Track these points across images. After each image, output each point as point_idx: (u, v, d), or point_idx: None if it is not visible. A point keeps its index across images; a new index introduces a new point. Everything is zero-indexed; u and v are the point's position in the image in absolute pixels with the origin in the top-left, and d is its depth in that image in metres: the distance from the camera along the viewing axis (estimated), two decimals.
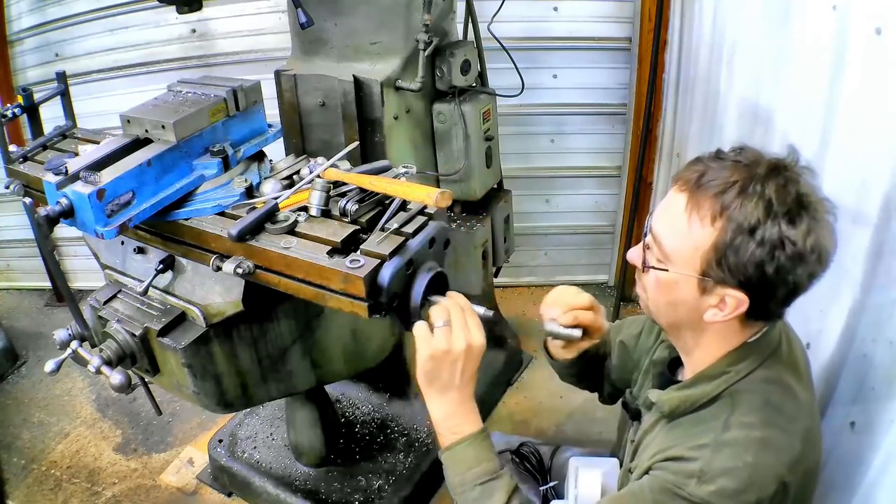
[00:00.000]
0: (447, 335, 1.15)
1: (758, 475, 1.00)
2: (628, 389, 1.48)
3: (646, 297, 1.16)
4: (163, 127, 1.37)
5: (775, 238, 0.96)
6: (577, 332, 1.32)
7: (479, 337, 1.16)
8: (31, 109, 1.77)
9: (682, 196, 1.04)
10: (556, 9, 2.97)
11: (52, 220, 1.23)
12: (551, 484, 1.70)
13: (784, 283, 1.00)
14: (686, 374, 1.21)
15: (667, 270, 1.07)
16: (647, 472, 1.11)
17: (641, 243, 1.14)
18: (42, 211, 1.23)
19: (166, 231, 1.43)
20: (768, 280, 0.99)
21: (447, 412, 1.20)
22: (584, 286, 3.77)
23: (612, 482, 1.40)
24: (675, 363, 1.29)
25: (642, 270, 1.13)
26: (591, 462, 1.44)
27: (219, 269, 1.29)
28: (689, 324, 1.12)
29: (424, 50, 2.01)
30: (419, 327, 1.17)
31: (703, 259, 1.02)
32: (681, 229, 1.04)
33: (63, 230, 2.55)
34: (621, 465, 1.42)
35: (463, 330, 1.15)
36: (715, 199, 0.99)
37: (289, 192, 1.38)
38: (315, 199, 1.33)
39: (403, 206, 1.28)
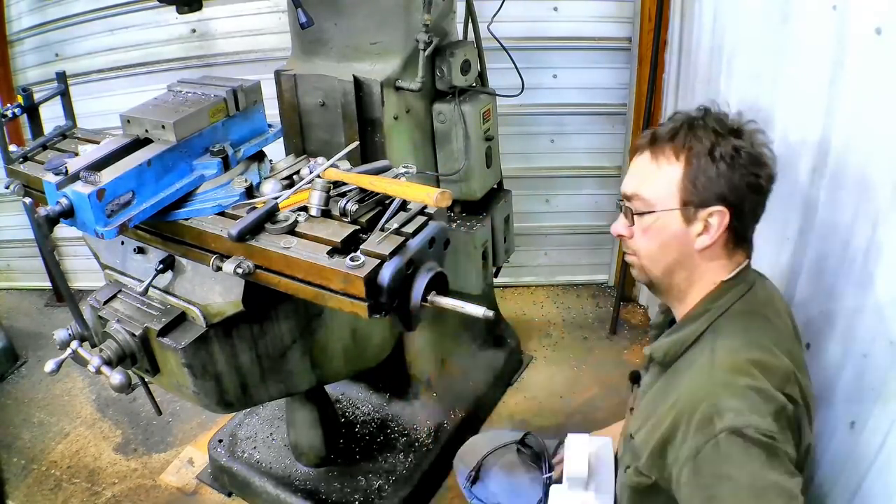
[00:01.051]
0: None
1: (762, 388, 1.05)
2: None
3: (638, 259, 1.25)
4: (163, 127, 1.37)
5: (731, 150, 1.13)
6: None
7: None
8: (31, 109, 1.77)
9: (643, 155, 1.21)
10: (556, 9, 2.97)
11: (52, 220, 1.23)
12: (550, 473, 1.70)
13: (751, 187, 1.14)
14: (676, 311, 1.29)
15: (653, 212, 1.18)
16: (664, 450, 1.11)
17: (620, 215, 1.27)
18: (42, 211, 1.23)
19: (166, 231, 1.43)
20: (738, 188, 1.13)
21: None
22: (584, 286, 3.80)
23: (606, 455, 1.40)
24: (672, 325, 1.33)
25: (630, 235, 1.23)
26: (583, 438, 1.43)
27: (219, 269, 1.29)
28: (681, 262, 1.20)
29: (424, 50, 2.01)
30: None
31: (680, 190, 1.16)
32: (653, 175, 1.19)
33: (63, 230, 2.55)
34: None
35: None
36: (672, 141, 1.17)
37: (289, 192, 1.38)
38: (315, 199, 1.33)
39: (403, 206, 1.28)
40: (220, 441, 2.45)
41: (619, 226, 1.27)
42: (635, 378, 1.38)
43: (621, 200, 1.27)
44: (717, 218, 1.14)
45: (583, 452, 1.36)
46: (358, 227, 1.28)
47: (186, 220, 1.38)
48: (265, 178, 1.49)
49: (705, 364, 1.12)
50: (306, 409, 2.18)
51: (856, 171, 1.41)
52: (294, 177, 1.49)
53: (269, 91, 1.68)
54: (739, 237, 1.19)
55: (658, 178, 1.18)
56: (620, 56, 3.04)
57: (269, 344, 1.59)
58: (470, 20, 2.36)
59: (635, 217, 1.21)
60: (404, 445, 2.37)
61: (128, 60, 3.24)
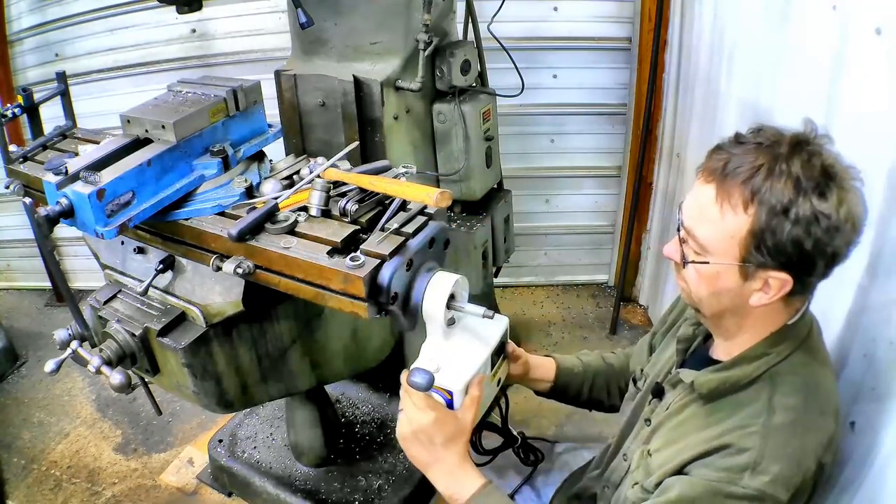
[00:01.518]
0: (399, 424, 1.22)
1: (804, 458, 1.03)
2: (639, 367, 1.46)
3: (688, 288, 1.15)
4: (163, 127, 1.37)
5: (809, 214, 0.97)
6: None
7: (415, 415, 1.19)
8: (31, 109, 1.77)
9: (709, 187, 1.05)
10: (556, 9, 2.97)
11: (52, 220, 1.23)
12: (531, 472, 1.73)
13: (823, 256, 1.01)
14: (719, 353, 1.21)
15: (707, 262, 1.07)
16: (681, 470, 1.09)
17: (676, 238, 1.14)
18: (42, 211, 1.23)
19: (166, 231, 1.43)
20: (808, 256, 1.00)
21: (441, 486, 1.23)
22: (584, 286, 3.80)
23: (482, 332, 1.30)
24: (702, 343, 1.30)
25: (681, 266, 1.13)
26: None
27: (219, 269, 1.29)
28: (733, 310, 1.12)
29: (424, 50, 2.01)
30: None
31: (742, 246, 1.03)
32: (714, 220, 1.04)
33: (63, 230, 2.55)
34: (621, 445, 1.40)
35: (403, 415, 1.21)
36: (744, 185, 1.00)
37: (289, 192, 1.38)
38: (315, 199, 1.32)
39: (403, 206, 1.27)
40: (220, 441, 2.45)
41: (672, 250, 1.15)
42: (659, 393, 1.31)
43: (679, 219, 1.14)
44: (779, 283, 1.04)
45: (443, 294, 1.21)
46: (358, 227, 1.28)
47: (186, 220, 1.38)
48: (265, 178, 1.49)
49: (761, 414, 1.06)
50: (306, 409, 2.18)
51: None
52: (294, 177, 1.49)
53: (269, 91, 1.68)
54: (802, 292, 1.09)
55: (719, 226, 1.04)
56: (620, 56, 3.04)
57: (269, 344, 1.59)
58: (470, 20, 2.36)
59: (686, 259, 1.11)
60: None
61: (128, 60, 3.24)
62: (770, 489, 1.00)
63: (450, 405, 1.22)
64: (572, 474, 1.65)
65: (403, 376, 1.20)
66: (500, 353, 1.33)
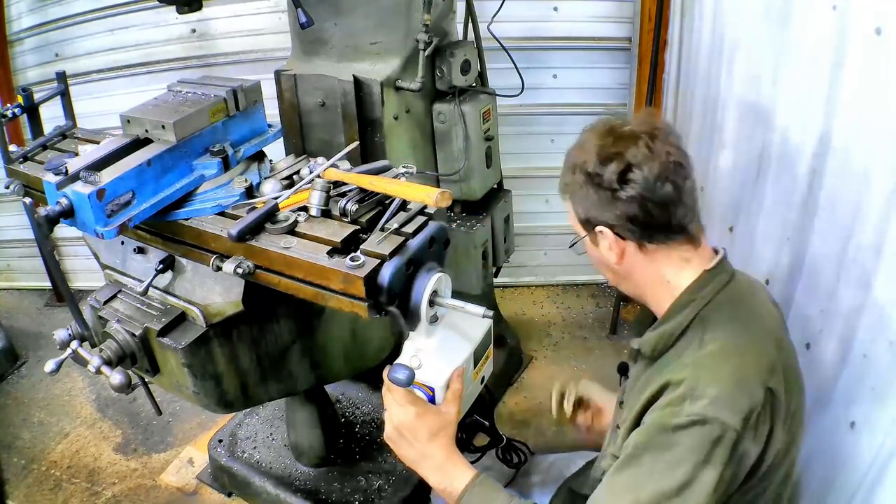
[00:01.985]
0: (385, 421, 1.25)
1: (743, 381, 1.07)
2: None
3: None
4: (163, 127, 1.37)
5: (596, 177, 1.18)
6: None
7: (398, 413, 1.23)
8: (31, 109, 1.77)
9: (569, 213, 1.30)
10: (556, 9, 2.97)
11: (52, 220, 1.23)
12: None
13: (639, 203, 1.15)
14: (659, 312, 1.29)
15: (576, 236, 1.30)
16: (637, 421, 1.14)
17: None
18: (42, 211, 1.23)
19: (166, 231, 1.43)
20: (617, 210, 1.17)
21: (433, 481, 1.25)
22: (584, 286, 3.79)
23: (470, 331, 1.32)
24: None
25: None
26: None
27: (219, 269, 1.29)
28: (618, 276, 1.28)
29: (424, 50, 2.01)
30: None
31: (577, 218, 1.26)
32: (569, 207, 1.28)
33: (63, 230, 2.55)
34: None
35: (388, 412, 1.24)
36: (562, 182, 1.28)
37: (289, 192, 1.38)
38: (315, 199, 1.32)
39: (403, 206, 1.28)
40: (220, 441, 2.45)
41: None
42: (623, 370, 1.38)
43: None
44: (609, 238, 1.21)
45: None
46: (358, 227, 1.28)
47: (186, 220, 1.38)
48: (265, 178, 1.49)
49: (693, 351, 1.14)
50: (306, 409, 2.18)
51: (856, 171, 1.41)
52: (294, 177, 1.49)
53: (269, 91, 1.68)
54: (655, 237, 1.20)
55: (568, 212, 1.30)
56: (620, 56, 3.04)
57: (269, 344, 1.59)
58: (470, 20, 2.36)
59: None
60: None
61: (128, 60, 3.24)
62: (711, 412, 1.03)
63: (431, 402, 1.23)
64: (566, 481, 1.65)
65: (385, 372, 1.21)
66: (483, 350, 1.34)
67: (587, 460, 1.61)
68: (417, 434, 1.21)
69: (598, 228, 1.21)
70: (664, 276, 1.22)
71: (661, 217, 1.16)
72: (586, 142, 1.22)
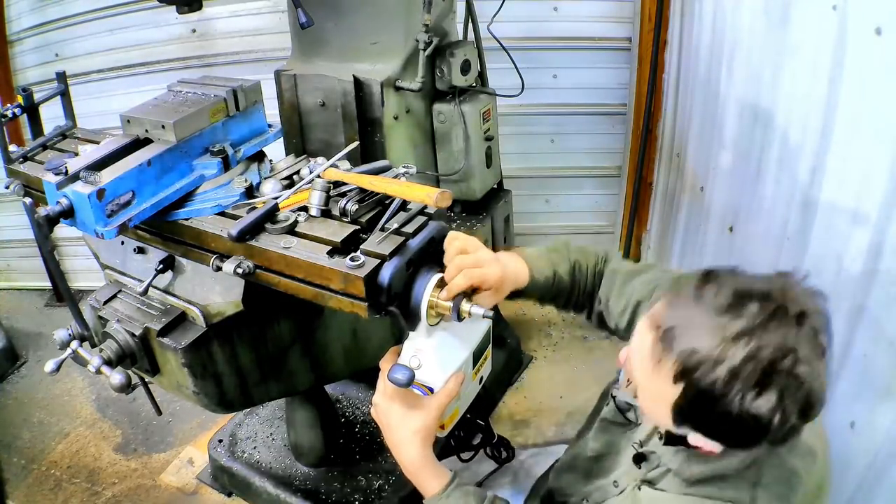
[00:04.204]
0: (376, 396, 1.26)
1: None
2: (615, 387, 1.34)
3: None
4: (163, 127, 1.37)
5: (737, 410, 0.88)
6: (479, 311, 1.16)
7: (383, 403, 1.24)
8: (31, 109, 1.77)
9: (649, 336, 0.97)
10: (556, 9, 2.97)
11: (52, 220, 1.23)
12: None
13: (751, 434, 0.92)
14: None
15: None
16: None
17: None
18: (42, 211, 1.23)
19: (166, 231, 1.43)
20: (737, 433, 0.93)
21: (411, 477, 1.28)
22: None
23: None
24: None
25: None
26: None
27: (219, 269, 1.29)
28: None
29: (424, 50, 2.01)
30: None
31: (670, 407, 0.96)
32: (648, 371, 0.97)
33: (63, 230, 2.54)
34: (604, 462, 1.36)
35: (375, 400, 1.26)
36: (679, 357, 0.91)
37: (289, 192, 1.38)
38: (315, 199, 1.32)
39: (403, 206, 1.27)
40: (220, 441, 2.45)
41: (623, 360, 1.11)
42: (639, 460, 1.22)
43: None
44: (702, 441, 1.00)
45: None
46: (358, 227, 1.28)
47: (186, 220, 1.38)
48: (265, 178, 1.49)
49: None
50: (306, 409, 2.18)
51: (856, 171, 1.42)
52: (294, 177, 1.49)
53: (269, 91, 1.68)
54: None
55: (652, 380, 0.97)
56: (620, 56, 3.04)
57: (269, 344, 1.59)
58: (470, 20, 2.36)
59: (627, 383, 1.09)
60: None
61: (128, 60, 3.24)
62: None
63: None
64: (540, 478, 1.64)
65: (382, 362, 1.22)
66: (483, 350, 1.34)
67: (558, 454, 1.58)
68: (396, 429, 1.24)
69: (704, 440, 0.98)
70: None
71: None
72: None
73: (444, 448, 2.30)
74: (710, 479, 1.05)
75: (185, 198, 1.40)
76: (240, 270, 1.25)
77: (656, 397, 0.97)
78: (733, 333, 0.88)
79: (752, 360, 0.87)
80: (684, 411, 0.93)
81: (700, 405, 0.90)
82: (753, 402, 0.87)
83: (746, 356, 0.87)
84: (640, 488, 1.17)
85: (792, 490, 1.04)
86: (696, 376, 0.89)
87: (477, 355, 1.30)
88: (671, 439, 1.11)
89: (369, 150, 2.06)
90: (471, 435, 1.70)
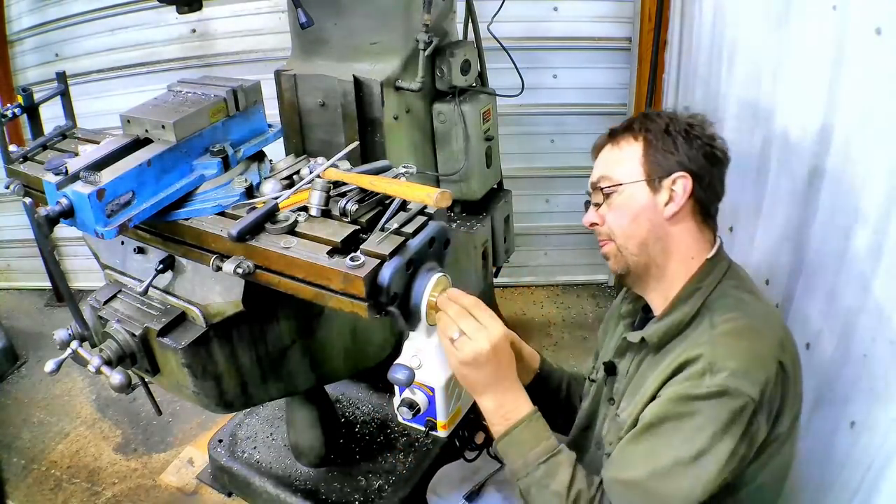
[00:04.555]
0: (467, 343, 1.14)
1: (758, 355, 1.10)
2: (593, 367, 1.50)
3: (614, 247, 1.27)
4: (163, 127, 1.37)
5: (685, 126, 1.23)
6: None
7: (496, 328, 1.16)
8: (31, 109, 1.77)
9: (604, 148, 1.31)
10: (556, 9, 2.97)
11: (52, 220, 1.23)
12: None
13: (708, 157, 1.23)
14: (658, 310, 1.29)
15: (620, 184, 1.24)
16: (651, 400, 1.15)
17: (591, 208, 1.30)
18: (42, 211, 1.23)
19: (166, 231, 1.43)
20: (696, 157, 1.22)
21: (496, 404, 1.19)
22: (584, 286, 3.79)
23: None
24: (644, 313, 1.36)
25: (605, 210, 1.27)
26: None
27: (219, 269, 1.29)
28: (655, 233, 1.23)
29: (424, 50, 2.01)
30: (440, 345, 1.19)
31: (643, 164, 1.23)
32: (615, 158, 1.28)
33: (63, 230, 2.55)
34: (583, 438, 1.43)
35: (479, 331, 1.14)
36: (629, 129, 1.28)
37: (289, 192, 1.38)
38: (315, 199, 1.32)
39: (403, 206, 1.27)
40: (220, 441, 2.45)
41: (590, 215, 1.30)
42: (611, 369, 1.35)
43: (588, 195, 1.32)
44: (682, 183, 1.21)
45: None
46: (358, 227, 1.28)
47: (186, 220, 1.38)
48: (265, 178, 1.49)
49: (705, 332, 1.16)
50: (306, 409, 2.19)
51: (856, 171, 1.41)
52: (294, 177, 1.49)
53: (269, 91, 1.68)
54: (705, 210, 1.26)
55: (621, 158, 1.26)
56: (620, 56, 3.05)
57: (269, 344, 1.59)
58: (470, 20, 2.36)
59: (605, 196, 1.26)
60: (404, 445, 2.37)
61: (128, 60, 3.24)
62: (732, 383, 1.06)
63: (431, 402, 1.22)
64: None
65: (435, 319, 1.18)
66: None
67: None
68: (502, 358, 1.17)
69: (679, 175, 1.20)
70: (689, 254, 1.25)
71: (720, 187, 1.27)
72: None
73: (446, 448, 2.31)
74: (671, 334, 1.21)
75: (185, 198, 1.40)
76: (240, 270, 1.25)
77: (630, 164, 1.25)
78: (651, 111, 1.30)
79: (675, 114, 1.28)
80: (651, 147, 1.23)
81: (658, 138, 1.23)
82: (691, 120, 1.25)
83: (669, 113, 1.28)
84: (617, 415, 1.25)
85: (746, 311, 1.18)
86: (646, 123, 1.25)
87: None
88: (639, 322, 1.35)
89: (369, 150, 2.06)
90: (474, 434, 1.70)
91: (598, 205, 1.28)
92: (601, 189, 1.26)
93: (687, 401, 1.08)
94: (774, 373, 1.10)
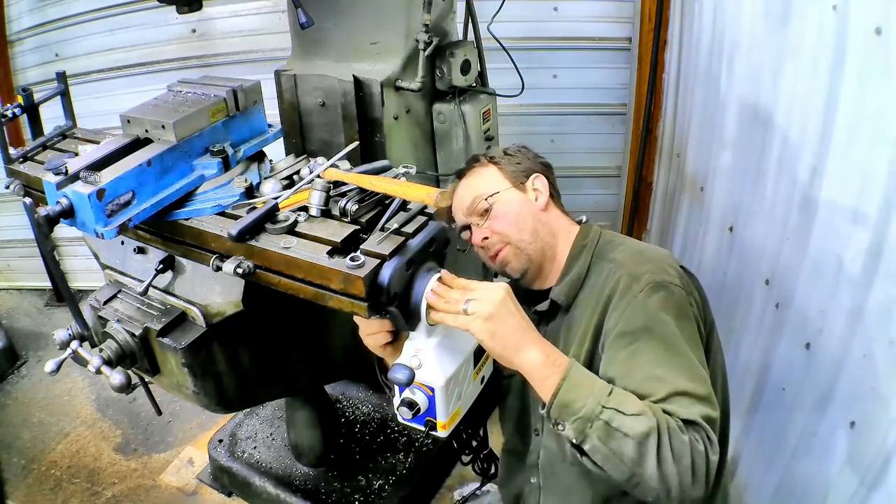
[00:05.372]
0: (481, 302, 1.11)
1: (661, 261, 1.28)
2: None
3: (508, 246, 1.42)
4: (163, 127, 1.37)
5: (514, 148, 1.57)
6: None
7: (499, 284, 1.16)
8: (31, 109, 1.77)
9: (459, 186, 1.52)
10: (556, 9, 2.97)
11: (52, 220, 1.23)
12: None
13: (541, 164, 1.55)
14: (549, 281, 1.45)
15: (497, 193, 1.44)
16: (593, 344, 1.27)
17: (469, 234, 1.48)
18: (42, 211, 1.23)
19: (166, 231, 1.43)
20: (535, 164, 1.53)
21: (543, 354, 1.13)
22: None
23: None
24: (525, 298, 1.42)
25: (484, 218, 1.44)
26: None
27: (219, 269, 1.29)
28: (539, 220, 1.43)
29: (424, 50, 2.01)
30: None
31: (503, 176, 1.48)
32: (476, 181, 1.49)
33: (63, 230, 2.55)
34: (523, 431, 1.50)
35: (486, 289, 1.13)
36: (474, 162, 1.54)
37: (289, 192, 1.38)
38: (315, 199, 1.32)
39: (403, 206, 1.28)
40: (220, 441, 2.45)
41: (477, 234, 1.45)
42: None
43: (462, 230, 1.50)
44: (541, 180, 1.48)
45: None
46: (358, 227, 1.28)
47: (186, 220, 1.38)
48: (265, 178, 1.49)
49: (606, 269, 1.31)
50: (306, 409, 2.18)
51: (856, 171, 1.42)
52: (294, 177, 1.49)
53: (269, 91, 1.68)
54: (559, 201, 1.52)
55: (481, 180, 1.49)
56: (620, 56, 3.04)
57: (269, 344, 1.59)
58: (470, 20, 2.36)
59: (485, 211, 1.43)
60: (404, 445, 2.37)
61: (128, 60, 3.24)
62: (658, 277, 1.23)
63: (431, 402, 1.22)
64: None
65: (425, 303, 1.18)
66: (484, 350, 1.33)
67: None
68: (519, 308, 1.16)
69: (534, 175, 1.48)
70: (567, 228, 1.46)
71: (556, 186, 1.54)
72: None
73: (444, 448, 2.31)
74: (575, 290, 1.36)
75: (185, 198, 1.40)
76: (240, 270, 1.25)
77: (496, 183, 1.48)
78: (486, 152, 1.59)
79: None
80: (505, 164, 1.50)
81: (503, 158, 1.53)
82: (509, 147, 1.58)
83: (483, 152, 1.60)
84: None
85: (629, 245, 1.38)
86: (490, 155, 1.55)
87: (478, 355, 1.30)
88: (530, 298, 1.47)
89: (369, 150, 2.06)
90: (471, 438, 1.70)
91: (478, 225, 1.44)
92: (479, 207, 1.43)
93: (635, 307, 1.20)
94: (679, 272, 1.26)
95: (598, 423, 1.05)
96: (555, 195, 1.51)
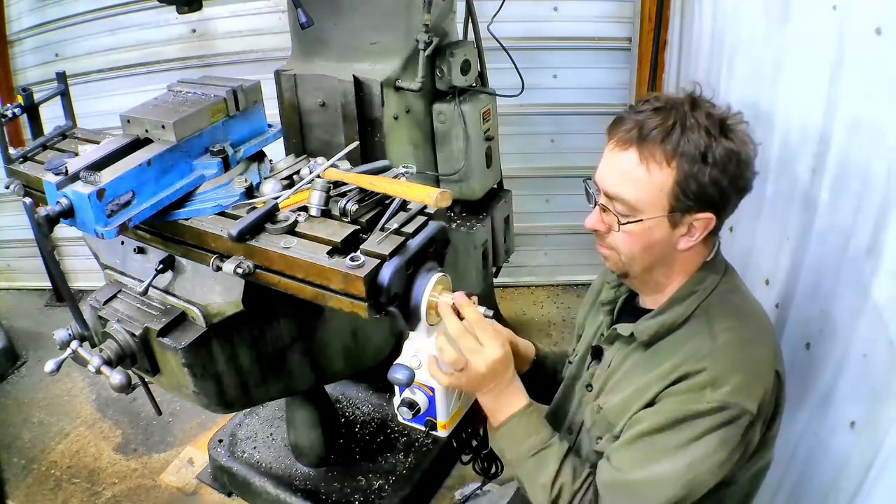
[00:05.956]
0: (467, 373, 1.18)
1: (757, 367, 1.12)
2: (573, 348, 1.52)
3: (616, 254, 1.21)
4: (163, 127, 1.37)
5: (723, 154, 1.09)
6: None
7: (494, 350, 1.17)
8: (31, 109, 1.77)
9: (630, 153, 1.12)
10: (556, 9, 2.97)
11: (52, 220, 1.23)
12: None
13: (737, 190, 1.13)
14: (648, 303, 1.28)
15: (640, 220, 1.14)
16: (647, 405, 1.16)
17: (596, 209, 1.21)
18: (42, 211, 1.23)
19: (166, 231, 1.43)
20: (726, 192, 1.11)
21: (493, 400, 1.23)
22: (584, 286, 3.79)
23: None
24: (627, 301, 1.36)
25: (616, 230, 1.17)
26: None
27: (219, 269, 1.29)
28: (661, 260, 1.20)
29: (424, 50, 2.01)
30: (442, 372, 1.20)
31: (669, 197, 1.11)
32: (641, 179, 1.11)
33: (63, 230, 2.55)
34: (552, 421, 1.42)
35: (476, 356, 1.17)
36: (663, 144, 1.09)
37: (289, 192, 1.38)
38: (315, 199, 1.32)
39: (403, 206, 1.28)
40: (220, 441, 2.45)
41: (596, 221, 1.21)
42: (597, 354, 1.35)
43: (595, 191, 1.22)
44: (703, 223, 1.14)
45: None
46: (358, 227, 1.28)
47: (186, 220, 1.38)
48: (265, 178, 1.49)
49: (705, 342, 1.14)
50: (306, 409, 2.18)
51: (856, 171, 1.41)
52: (294, 177, 1.49)
53: (269, 91, 1.68)
54: (716, 231, 1.20)
55: (648, 184, 1.11)
56: (620, 56, 3.04)
57: (269, 344, 1.59)
58: (470, 20, 2.36)
59: (619, 222, 1.16)
60: (404, 445, 2.37)
61: (128, 60, 3.24)
62: (733, 398, 1.08)
63: (431, 402, 1.22)
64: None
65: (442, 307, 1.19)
66: None
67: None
68: (508, 367, 1.21)
69: (702, 215, 1.12)
70: (690, 266, 1.21)
71: (737, 204, 1.17)
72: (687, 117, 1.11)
73: (444, 448, 2.31)
74: (663, 334, 1.19)
75: (185, 198, 1.40)
76: (240, 270, 1.25)
77: (654, 195, 1.11)
78: (688, 110, 1.11)
79: (711, 118, 1.10)
80: (682, 182, 1.09)
81: (693, 167, 1.08)
82: (728, 143, 1.09)
83: (706, 116, 1.10)
84: (600, 408, 1.24)
85: (744, 319, 1.18)
86: (682, 145, 1.08)
87: None
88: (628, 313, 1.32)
89: (369, 150, 2.06)
90: (471, 438, 1.69)
91: (604, 208, 1.18)
92: (616, 207, 1.16)
93: (687, 413, 1.09)
94: (772, 384, 1.12)
95: (515, 474, 1.25)
96: (715, 228, 1.17)
